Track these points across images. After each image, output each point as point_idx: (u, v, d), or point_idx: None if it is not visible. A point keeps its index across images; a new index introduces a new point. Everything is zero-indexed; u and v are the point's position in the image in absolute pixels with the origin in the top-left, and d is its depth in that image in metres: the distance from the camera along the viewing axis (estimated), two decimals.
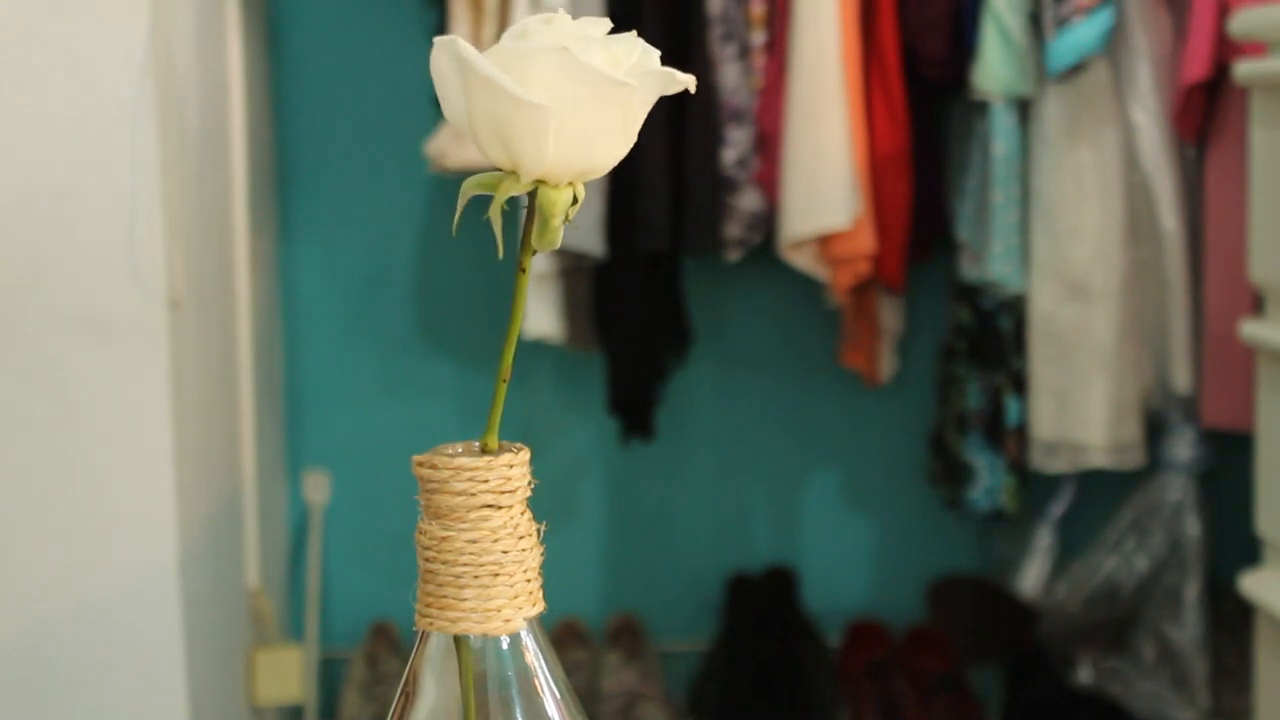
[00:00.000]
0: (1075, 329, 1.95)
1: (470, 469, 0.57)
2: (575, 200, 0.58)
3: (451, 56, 0.55)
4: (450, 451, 0.59)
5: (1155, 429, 2.03)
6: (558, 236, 0.57)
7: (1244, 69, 1.63)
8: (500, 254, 0.59)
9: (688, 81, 0.57)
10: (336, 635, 2.30)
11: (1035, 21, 1.91)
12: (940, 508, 2.19)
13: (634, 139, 0.57)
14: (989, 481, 2.04)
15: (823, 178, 1.90)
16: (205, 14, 1.81)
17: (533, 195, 0.57)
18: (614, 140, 0.56)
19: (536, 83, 0.54)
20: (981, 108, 1.96)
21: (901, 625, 2.29)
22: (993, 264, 1.96)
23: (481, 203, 0.61)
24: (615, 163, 0.57)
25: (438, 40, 0.56)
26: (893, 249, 2.00)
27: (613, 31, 0.58)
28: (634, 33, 0.57)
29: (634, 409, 2.05)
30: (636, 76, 0.56)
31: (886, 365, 2.14)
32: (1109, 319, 1.95)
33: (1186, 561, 2.01)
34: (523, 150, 0.56)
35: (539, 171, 0.56)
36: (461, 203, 0.59)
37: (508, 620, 0.58)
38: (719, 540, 2.33)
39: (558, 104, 0.54)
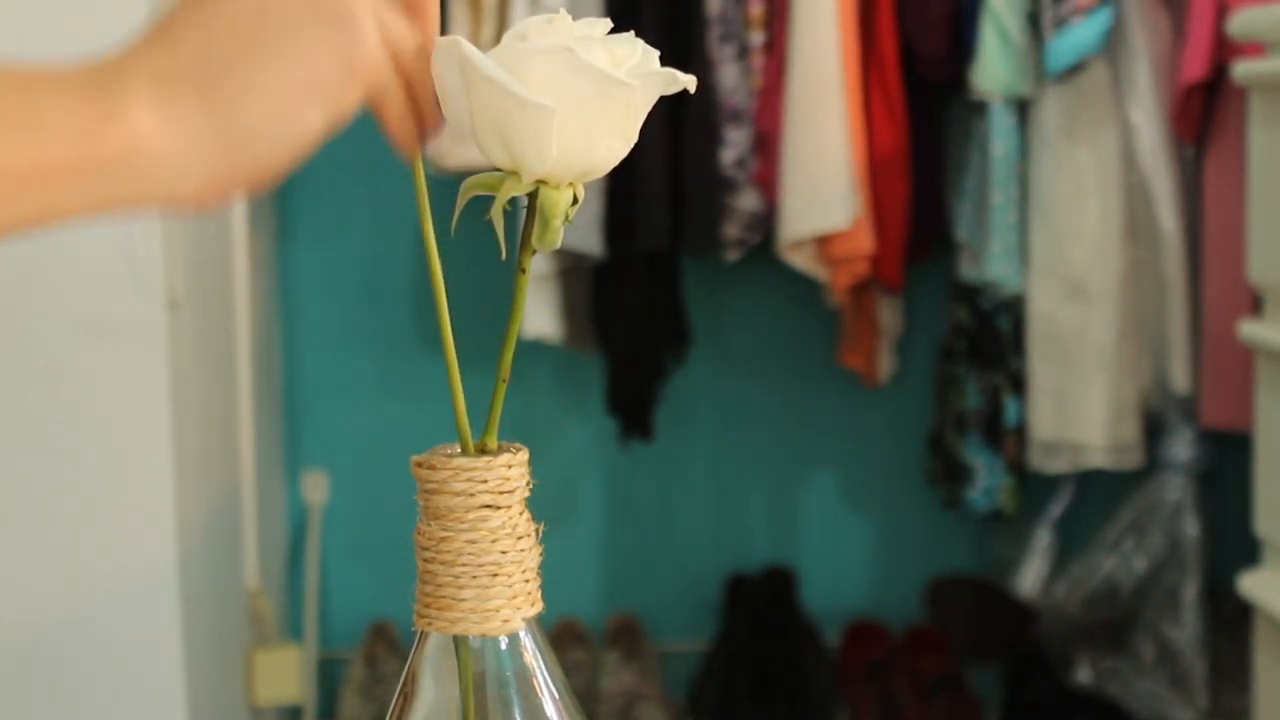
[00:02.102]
0: (1074, 329, 1.95)
1: (469, 469, 0.57)
2: (575, 200, 0.58)
3: (454, 57, 0.55)
4: (449, 452, 0.59)
5: (1154, 429, 2.03)
6: (558, 237, 0.57)
7: (1243, 69, 1.63)
8: (503, 254, 0.59)
9: (688, 81, 0.57)
10: (335, 635, 2.30)
11: (1034, 21, 1.91)
12: (939, 508, 2.19)
13: (634, 139, 0.58)
14: (988, 481, 2.04)
15: (821, 178, 1.90)
16: None
17: (533, 196, 0.58)
18: (615, 140, 0.57)
19: (539, 83, 0.55)
20: (980, 108, 1.96)
21: (901, 625, 2.29)
22: (992, 264, 1.97)
23: (480, 203, 0.61)
24: (616, 163, 0.58)
25: (439, 41, 0.56)
26: (891, 249, 2.00)
27: (612, 32, 0.58)
28: (633, 34, 0.58)
29: (633, 409, 2.05)
30: (638, 76, 0.56)
31: (885, 365, 2.14)
32: (1108, 319, 1.95)
33: (1185, 562, 2.01)
34: (525, 150, 0.56)
35: (541, 172, 0.56)
36: (461, 202, 0.59)
37: (506, 620, 0.58)
38: (718, 540, 2.33)
39: (561, 104, 0.54)
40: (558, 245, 0.58)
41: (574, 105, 0.55)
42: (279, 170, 0.52)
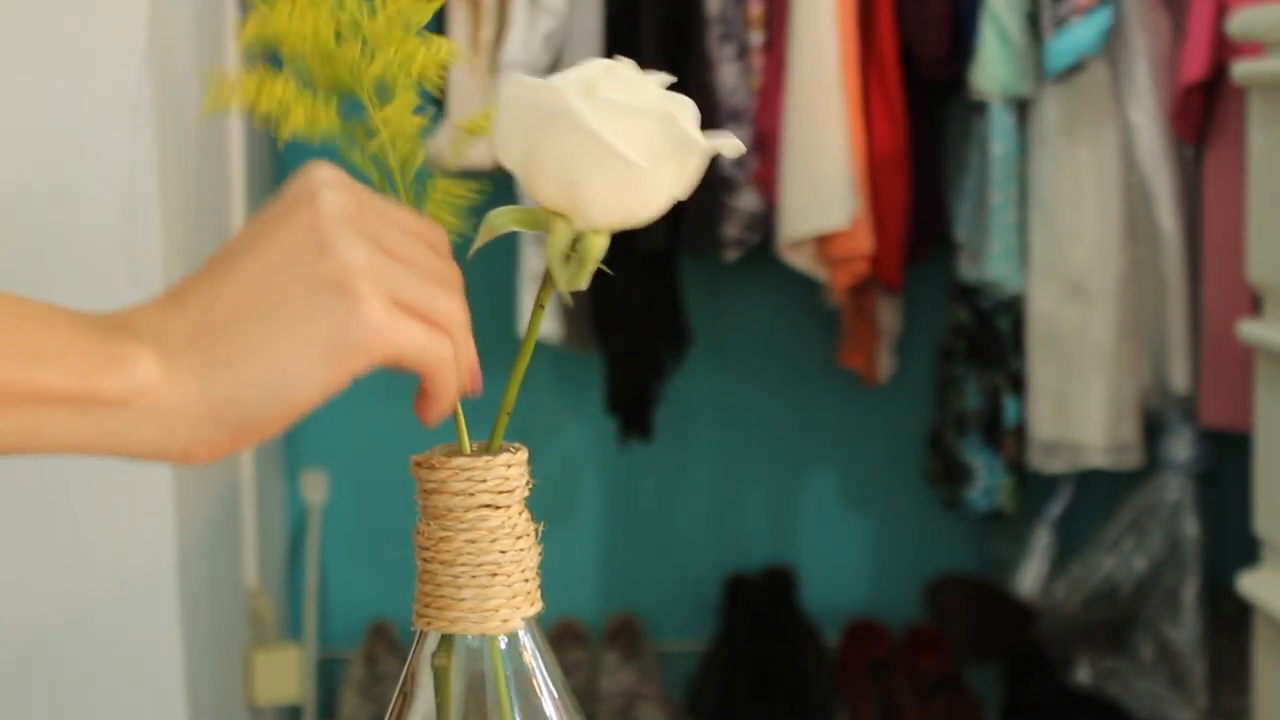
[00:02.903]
0: (1074, 329, 1.95)
1: (468, 469, 0.57)
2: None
3: (544, 105, 0.55)
4: (448, 451, 0.59)
5: (1154, 429, 2.03)
6: (588, 278, 0.58)
7: (1242, 69, 1.63)
8: (567, 299, 0.59)
9: (736, 148, 0.58)
10: (335, 635, 2.30)
11: (1034, 21, 1.91)
12: (939, 508, 2.19)
13: (681, 196, 0.58)
14: (987, 481, 2.04)
15: (821, 178, 1.90)
16: (204, 14, 1.81)
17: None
18: (665, 199, 0.57)
19: (625, 139, 0.55)
20: (980, 108, 1.96)
21: (900, 625, 2.29)
22: (991, 264, 1.97)
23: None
24: (660, 214, 0.58)
25: (521, 81, 0.56)
26: (891, 249, 2.00)
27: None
28: (687, 99, 0.58)
29: (632, 409, 2.05)
30: (712, 145, 0.57)
31: (885, 365, 2.14)
32: (1107, 319, 1.95)
33: (1185, 561, 2.01)
34: (592, 202, 0.56)
35: (600, 221, 0.57)
36: (486, 234, 0.59)
37: (506, 620, 0.58)
38: (718, 540, 2.33)
39: (651, 165, 0.55)
40: (585, 286, 0.58)
41: (657, 166, 0.56)
42: (269, 430, 0.53)
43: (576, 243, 0.58)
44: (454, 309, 0.55)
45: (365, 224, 0.54)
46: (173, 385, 0.52)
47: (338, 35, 0.57)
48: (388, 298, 0.53)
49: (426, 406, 0.57)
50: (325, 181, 0.55)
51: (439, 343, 0.55)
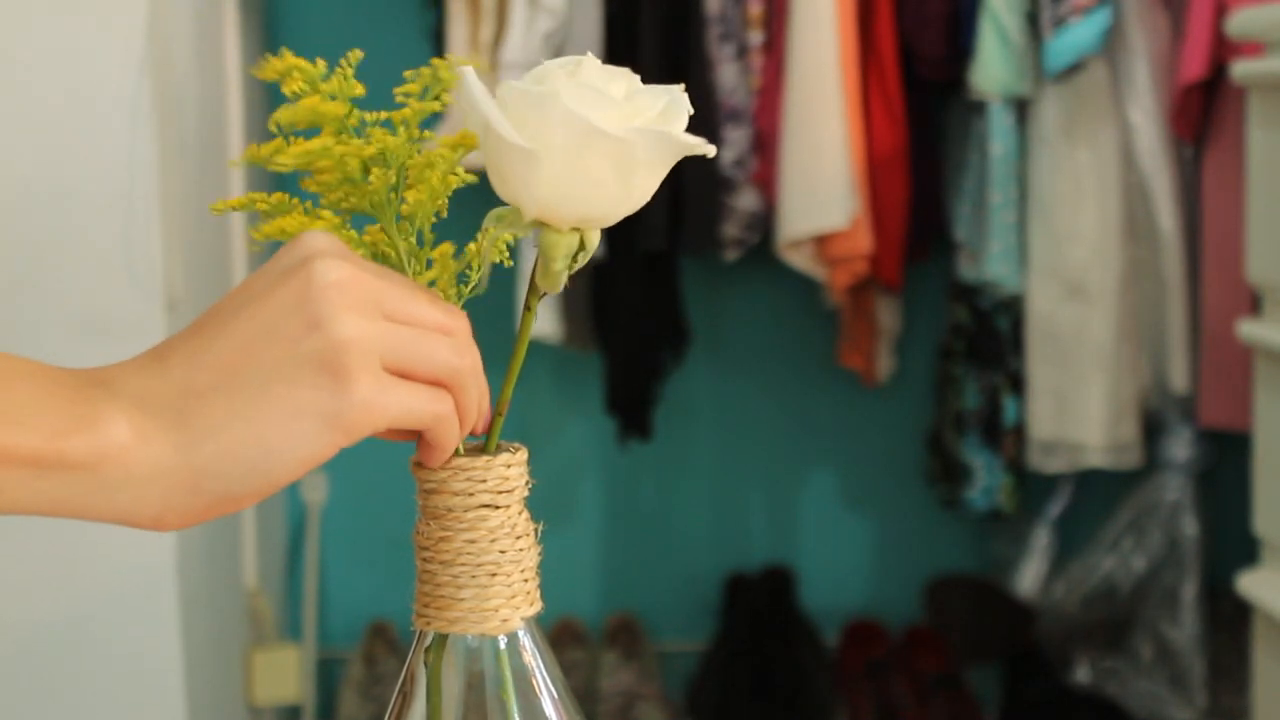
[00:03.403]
0: (1073, 329, 1.96)
1: (468, 469, 0.57)
2: (583, 248, 0.57)
3: (464, 89, 0.55)
4: None
5: (1153, 429, 2.03)
6: (559, 281, 0.57)
7: (1241, 69, 1.63)
8: (482, 286, 0.59)
9: (705, 148, 0.55)
10: (334, 635, 2.30)
11: (1033, 21, 1.91)
12: (938, 507, 2.19)
13: (640, 197, 0.56)
14: (987, 481, 2.04)
15: (820, 177, 1.90)
16: (203, 13, 1.81)
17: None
18: (611, 193, 0.55)
19: (536, 126, 0.54)
20: (979, 108, 1.96)
21: (900, 625, 2.29)
22: (990, 264, 1.97)
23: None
24: (617, 217, 0.57)
25: (464, 69, 0.56)
26: (890, 249, 2.00)
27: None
28: (681, 88, 0.56)
29: (632, 408, 2.05)
30: (642, 133, 0.54)
31: (884, 365, 2.14)
32: (1107, 319, 1.95)
33: (1184, 561, 2.01)
34: (515, 189, 0.56)
35: (535, 212, 0.56)
36: (487, 232, 0.59)
37: (505, 620, 0.58)
38: (717, 540, 2.33)
39: (546, 150, 0.53)
40: (559, 289, 0.57)
41: (560, 152, 0.54)
42: (246, 502, 0.52)
43: (538, 241, 0.57)
44: (456, 359, 0.54)
45: (361, 292, 0.52)
46: (147, 450, 0.50)
47: (366, 166, 0.57)
48: (378, 368, 0.52)
49: (429, 455, 0.56)
50: (321, 251, 0.53)
51: (436, 402, 0.54)
